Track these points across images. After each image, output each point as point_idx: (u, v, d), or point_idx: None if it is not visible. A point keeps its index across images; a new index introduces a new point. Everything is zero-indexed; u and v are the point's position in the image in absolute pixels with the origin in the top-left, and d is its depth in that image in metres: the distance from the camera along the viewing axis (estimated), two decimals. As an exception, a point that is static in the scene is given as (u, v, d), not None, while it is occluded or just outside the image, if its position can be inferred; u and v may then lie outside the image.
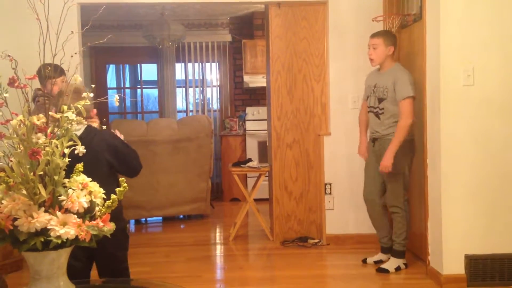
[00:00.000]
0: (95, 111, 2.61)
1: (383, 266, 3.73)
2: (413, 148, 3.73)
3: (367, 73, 4.44)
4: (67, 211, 1.47)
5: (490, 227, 3.36)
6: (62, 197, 1.48)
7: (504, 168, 3.36)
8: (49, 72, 1.55)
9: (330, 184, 4.52)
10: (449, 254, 3.36)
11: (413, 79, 3.62)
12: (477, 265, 3.34)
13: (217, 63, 7.51)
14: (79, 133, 2.25)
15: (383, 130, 3.68)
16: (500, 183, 3.36)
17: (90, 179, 1.54)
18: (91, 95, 1.63)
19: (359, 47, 4.43)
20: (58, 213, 1.44)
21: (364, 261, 3.92)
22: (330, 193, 4.52)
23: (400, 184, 3.67)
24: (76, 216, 1.46)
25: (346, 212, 4.50)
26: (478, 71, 3.32)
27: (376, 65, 3.73)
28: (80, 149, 1.55)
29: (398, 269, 3.70)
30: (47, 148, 1.45)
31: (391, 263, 3.73)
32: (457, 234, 3.35)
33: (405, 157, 3.64)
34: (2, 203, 1.45)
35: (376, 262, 3.84)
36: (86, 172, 1.57)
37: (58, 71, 2.70)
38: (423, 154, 3.64)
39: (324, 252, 4.32)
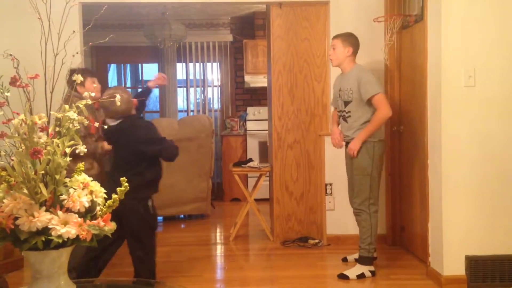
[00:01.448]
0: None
1: (346, 271, 3.62)
2: (381, 152, 3.67)
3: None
4: (68, 210, 1.47)
5: (491, 228, 3.35)
6: (63, 197, 1.48)
7: (504, 169, 3.35)
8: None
9: (330, 185, 4.52)
10: (450, 255, 3.35)
11: (376, 77, 3.64)
12: (478, 266, 3.34)
13: (218, 63, 7.51)
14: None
15: (352, 133, 3.64)
16: (501, 184, 3.35)
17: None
18: (93, 94, 1.63)
19: (360, 47, 4.42)
20: (59, 213, 1.44)
21: (345, 259, 3.89)
22: (331, 193, 4.52)
23: (365, 186, 3.61)
24: (77, 215, 1.46)
25: (347, 212, 4.49)
26: (480, 72, 3.32)
27: (336, 65, 3.71)
28: (81, 149, 1.55)
29: (361, 276, 3.58)
30: (48, 147, 1.45)
31: (355, 270, 3.62)
32: (457, 235, 3.35)
33: (372, 159, 3.60)
34: (3, 202, 1.45)
35: (356, 260, 3.77)
36: None
37: (92, 72, 2.89)
38: (424, 155, 3.64)
39: (325, 252, 4.32)
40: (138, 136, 3.09)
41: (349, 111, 3.63)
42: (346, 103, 3.64)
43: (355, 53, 3.67)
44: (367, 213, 3.62)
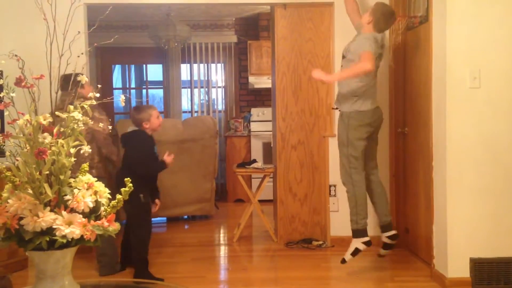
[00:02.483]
0: None
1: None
2: (359, 123, 3.59)
3: (372, 75, 4.44)
4: (72, 210, 1.47)
5: (496, 230, 3.34)
6: (67, 197, 1.48)
7: (510, 171, 3.34)
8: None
9: (334, 186, 4.51)
10: (454, 257, 3.34)
11: (375, 41, 3.57)
12: (482, 269, 3.32)
13: (223, 64, 7.52)
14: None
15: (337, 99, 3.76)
16: (506, 186, 3.34)
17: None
18: (97, 95, 1.64)
19: (364, 48, 4.42)
20: (64, 213, 1.44)
21: (343, 261, 3.69)
22: (335, 194, 4.51)
23: (344, 157, 3.62)
24: (81, 215, 1.46)
25: (351, 214, 4.49)
26: (485, 73, 3.30)
27: (354, 25, 3.90)
28: (86, 149, 1.55)
29: (355, 252, 3.59)
30: (53, 148, 1.46)
31: (349, 249, 3.63)
32: (462, 237, 3.34)
33: (346, 129, 3.60)
34: (8, 202, 1.45)
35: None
36: None
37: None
38: (428, 156, 3.63)
39: (329, 254, 4.31)
40: (131, 147, 3.71)
41: (344, 67, 3.67)
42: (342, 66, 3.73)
43: (375, 25, 3.59)
44: (350, 183, 3.61)
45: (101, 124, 3.52)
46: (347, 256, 3.62)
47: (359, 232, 3.62)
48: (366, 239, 3.62)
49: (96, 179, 1.57)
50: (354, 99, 3.59)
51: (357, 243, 3.60)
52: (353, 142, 3.59)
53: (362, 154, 3.63)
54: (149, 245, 3.71)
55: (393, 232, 3.78)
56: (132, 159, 3.64)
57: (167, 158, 3.73)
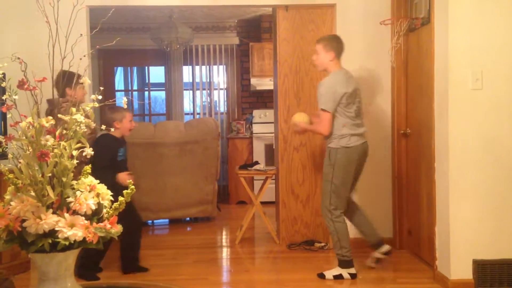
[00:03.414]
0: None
1: (325, 271, 3.66)
2: (346, 159, 3.57)
3: (374, 77, 4.45)
4: (74, 212, 1.47)
5: (498, 232, 3.33)
6: (70, 199, 1.48)
7: (512, 173, 3.33)
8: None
9: (337, 188, 4.50)
10: (457, 259, 3.33)
11: (335, 90, 3.53)
12: (485, 270, 3.31)
13: (225, 66, 7.52)
14: None
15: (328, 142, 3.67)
16: (508, 187, 3.33)
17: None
18: (100, 97, 1.64)
19: (367, 50, 4.42)
20: (66, 215, 1.45)
21: (321, 275, 3.67)
22: (337, 196, 4.50)
23: (326, 192, 3.61)
24: (83, 218, 1.46)
25: (353, 215, 4.48)
26: (487, 75, 3.30)
27: (321, 70, 3.75)
28: (88, 151, 1.56)
29: (338, 277, 3.60)
30: (55, 150, 1.46)
31: (333, 270, 3.64)
32: (465, 238, 3.33)
33: (332, 166, 3.58)
34: (10, 205, 1.45)
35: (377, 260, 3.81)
36: None
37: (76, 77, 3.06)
38: (431, 158, 3.63)
39: (331, 255, 4.30)
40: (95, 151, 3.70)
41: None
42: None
43: (338, 56, 3.64)
44: (329, 219, 3.62)
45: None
46: (329, 275, 3.62)
47: (345, 263, 3.62)
48: (352, 271, 3.62)
49: (98, 181, 1.57)
50: (340, 136, 3.57)
51: (343, 271, 3.61)
52: (338, 179, 3.58)
53: (346, 192, 3.64)
54: (128, 243, 3.76)
55: (387, 247, 3.78)
56: (93, 163, 3.64)
57: (123, 176, 3.61)
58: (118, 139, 3.78)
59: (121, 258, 3.83)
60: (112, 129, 3.19)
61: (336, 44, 3.64)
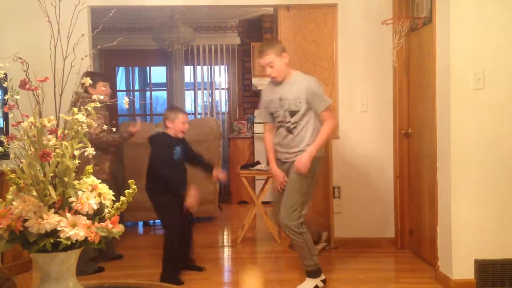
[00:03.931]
0: None
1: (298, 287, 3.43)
2: (322, 168, 3.44)
3: (375, 77, 4.44)
4: (76, 212, 1.47)
5: (500, 232, 3.33)
6: (72, 199, 1.48)
7: (514, 173, 3.33)
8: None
9: (338, 188, 4.50)
10: (459, 258, 3.33)
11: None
12: (487, 270, 3.31)
13: (226, 66, 7.52)
14: None
15: (304, 146, 3.32)
16: (510, 187, 3.33)
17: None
18: (101, 97, 1.64)
19: (368, 50, 4.42)
20: (68, 215, 1.45)
21: None
22: (339, 196, 4.51)
23: (295, 204, 3.31)
24: (85, 217, 1.46)
25: (355, 215, 4.49)
26: (489, 74, 3.30)
27: (282, 79, 3.35)
28: (90, 151, 1.56)
29: None
30: (57, 150, 1.46)
31: (308, 284, 3.43)
32: (466, 238, 3.33)
33: (312, 176, 3.35)
34: (12, 205, 1.45)
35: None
36: None
37: (107, 77, 3.37)
38: (432, 158, 3.62)
39: (332, 255, 4.30)
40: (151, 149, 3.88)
41: (296, 122, 3.31)
42: (293, 113, 3.30)
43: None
44: (298, 233, 3.33)
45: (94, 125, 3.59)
46: None
47: (317, 272, 3.45)
48: (323, 277, 3.48)
49: (99, 181, 1.57)
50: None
51: (316, 281, 3.44)
52: (311, 191, 3.42)
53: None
54: (178, 248, 3.74)
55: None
56: (150, 161, 3.78)
57: (191, 197, 3.74)
58: (173, 137, 3.78)
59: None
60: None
61: (283, 46, 3.44)
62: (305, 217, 3.38)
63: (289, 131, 3.36)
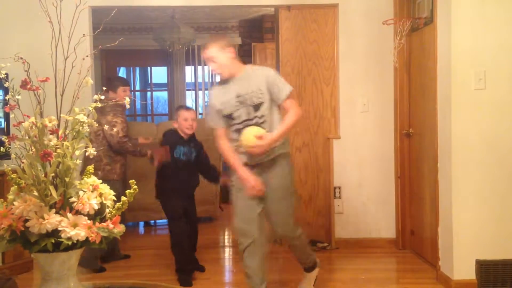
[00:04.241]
0: None
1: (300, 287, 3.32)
2: (292, 165, 3.18)
3: (376, 77, 4.44)
4: (77, 212, 1.47)
5: (501, 232, 3.32)
6: (73, 199, 1.49)
7: (516, 173, 3.32)
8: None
9: (339, 188, 4.50)
10: (460, 259, 3.33)
11: None
12: (488, 271, 3.30)
13: (227, 66, 7.52)
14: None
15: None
16: (511, 187, 3.32)
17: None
18: (102, 97, 1.64)
19: (369, 50, 4.42)
20: (69, 215, 1.45)
21: None
22: (340, 196, 4.50)
23: (290, 208, 3.07)
24: (86, 217, 1.46)
25: (356, 216, 4.48)
26: (490, 75, 3.29)
27: (228, 75, 3.01)
28: (91, 151, 1.56)
29: (315, 281, 3.34)
30: (58, 150, 1.46)
31: (309, 281, 3.33)
32: (468, 239, 3.32)
33: (290, 173, 3.10)
34: (13, 205, 1.46)
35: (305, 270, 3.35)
36: None
37: (127, 81, 3.94)
38: (433, 158, 3.62)
39: (333, 256, 4.30)
40: None
41: (263, 115, 2.95)
42: (257, 107, 2.95)
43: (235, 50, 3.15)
44: (298, 237, 3.14)
45: (115, 129, 3.71)
46: (310, 287, 3.34)
47: (315, 265, 3.33)
48: (318, 263, 3.36)
49: (100, 181, 1.57)
50: (287, 139, 3.12)
51: (315, 272, 3.34)
52: (293, 186, 3.16)
53: None
54: (185, 249, 3.73)
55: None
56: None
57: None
58: (179, 136, 3.75)
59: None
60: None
61: (227, 39, 3.18)
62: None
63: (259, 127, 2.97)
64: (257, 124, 2.95)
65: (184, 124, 3.75)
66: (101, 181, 1.58)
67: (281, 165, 3.01)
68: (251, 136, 2.88)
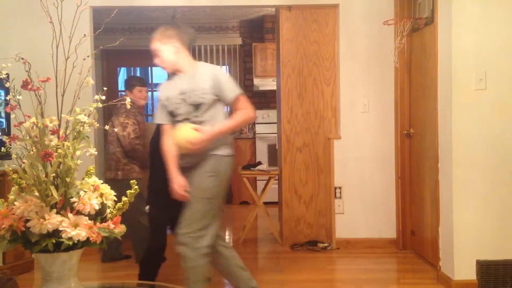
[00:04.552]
0: None
1: None
2: (231, 170, 2.89)
3: (377, 77, 4.44)
4: (78, 213, 1.47)
5: (502, 232, 3.32)
6: (73, 199, 1.49)
7: (516, 173, 3.32)
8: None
9: (340, 188, 4.50)
10: (461, 259, 3.32)
11: None
12: (489, 271, 3.29)
13: (227, 66, 7.52)
14: None
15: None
16: (512, 188, 3.32)
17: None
18: (103, 97, 1.65)
19: (370, 50, 4.42)
20: (70, 215, 1.45)
21: None
22: (340, 197, 4.50)
23: (196, 213, 2.76)
24: (87, 218, 1.46)
25: (356, 216, 4.48)
26: (490, 75, 3.29)
27: (172, 70, 2.90)
28: (92, 152, 1.56)
29: None
30: (59, 150, 1.46)
31: None
32: (468, 239, 3.32)
33: (220, 178, 2.81)
34: (14, 205, 1.46)
35: None
36: None
37: (143, 81, 4.00)
38: (434, 158, 3.62)
39: (334, 256, 4.30)
40: None
41: (202, 116, 2.80)
42: (197, 107, 2.79)
43: (185, 46, 2.91)
44: (192, 248, 2.76)
45: (126, 131, 3.80)
46: None
47: None
48: None
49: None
50: (228, 141, 2.90)
51: None
52: (220, 197, 2.86)
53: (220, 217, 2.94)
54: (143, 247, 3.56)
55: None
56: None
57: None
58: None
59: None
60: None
61: (174, 32, 2.90)
62: (211, 235, 2.79)
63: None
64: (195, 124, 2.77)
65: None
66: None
67: (207, 165, 2.78)
68: (184, 132, 2.71)
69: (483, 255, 3.29)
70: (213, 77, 2.81)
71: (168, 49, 2.83)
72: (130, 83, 4.12)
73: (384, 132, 4.43)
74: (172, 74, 2.97)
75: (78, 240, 1.42)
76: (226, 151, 2.85)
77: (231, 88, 2.84)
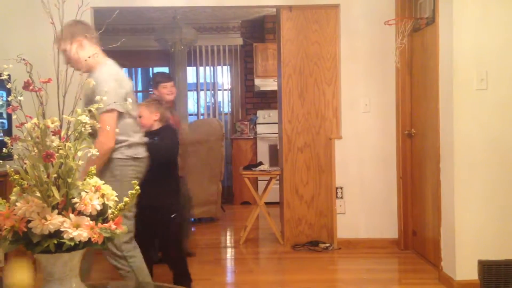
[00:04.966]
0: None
1: None
2: (135, 174, 2.66)
3: (378, 77, 4.44)
4: (80, 213, 1.47)
5: (504, 232, 3.32)
6: (75, 200, 1.49)
7: (518, 173, 3.31)
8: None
9: (341, 188, 4.50)
10: (462, 259, 3.32)
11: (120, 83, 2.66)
12: (491, 271, 3.30)
13: (229, 67, 7.53)
14: None
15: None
16: (514, 188, 3.32)
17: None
18: (104, 98, 1.64)
19: (371, 50, 4.42)
20: (71, 216, 1.45)
21: None
22: (342, 197, 4.50)
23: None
24: (89, 218, 1.46)
25: (358, 216, 4.48)
26: (492, 75, 3.29)
27: (85, 70, 2.36)
28: (93, 152, 1.56)
29: None
30: (60, 151, 1.46)
31: None
32: (470, 239, 3.32)
33: (121, 181, 2.59)
34: (16, 205, 1.46)
35: None
36: None
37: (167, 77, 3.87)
38: (436, 158, 3.61)
39: (335, 256, 4.30)
40: None
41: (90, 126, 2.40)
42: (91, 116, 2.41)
43: (90, 42, 2.55)
44: (119, 257, 2.64)
45: None
46: None
47: None
48: None
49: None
50: (125, 143, 2.67)
51: None
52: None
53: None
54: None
55: None
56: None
57: None
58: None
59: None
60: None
61: (75, 28, 2.50)
62: (132, 237, 2.68)
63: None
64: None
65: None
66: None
67: (108, 168, 2.61)
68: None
69: (484, 255, 3.30)
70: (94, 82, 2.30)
71: (70, 48, 2.46)
72: (155, 81, 4.12)
73: (385, 132, 4.43)
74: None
75: (80, 241, 1.42)
76: (120, 153, 2.64)
77: (101, 101, 2.08)
